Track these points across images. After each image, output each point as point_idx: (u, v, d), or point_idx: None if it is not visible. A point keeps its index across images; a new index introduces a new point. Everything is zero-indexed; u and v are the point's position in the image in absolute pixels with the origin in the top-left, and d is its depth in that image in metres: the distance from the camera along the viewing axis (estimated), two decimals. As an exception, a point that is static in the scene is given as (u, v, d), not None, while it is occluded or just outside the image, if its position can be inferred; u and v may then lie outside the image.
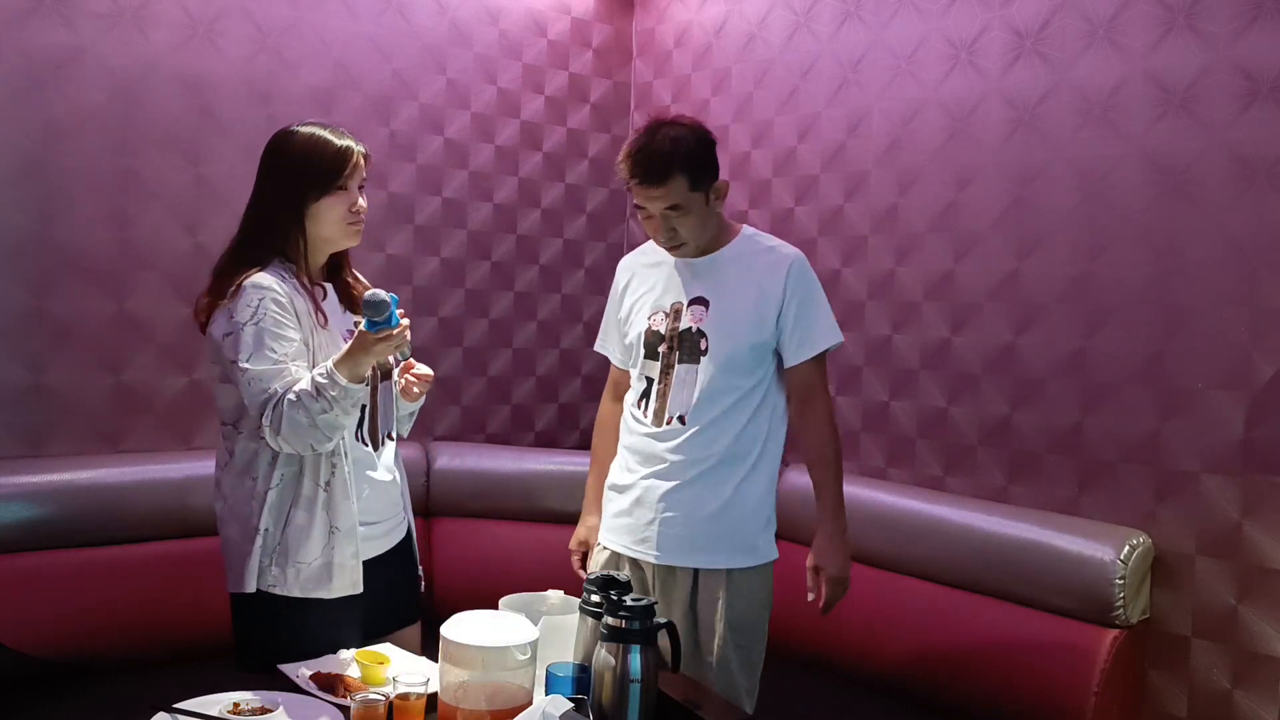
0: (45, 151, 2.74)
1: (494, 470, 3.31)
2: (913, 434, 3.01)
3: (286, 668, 1.81)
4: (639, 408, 2.30)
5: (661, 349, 2.26)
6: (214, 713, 1.60)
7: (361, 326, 1.85)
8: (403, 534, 2.19)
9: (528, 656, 1.61)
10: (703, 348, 2.23)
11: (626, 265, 2.43)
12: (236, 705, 1.62)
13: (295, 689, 1.73)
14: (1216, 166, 2.41)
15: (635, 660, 1.62)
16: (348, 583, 2.00)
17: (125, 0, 2.83)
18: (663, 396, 2.25)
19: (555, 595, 1.96)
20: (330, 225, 2.01)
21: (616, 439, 2.40)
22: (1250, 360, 2.37)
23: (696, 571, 2.25)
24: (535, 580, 2.16)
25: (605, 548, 2.37)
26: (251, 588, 1.97)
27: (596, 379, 3.75)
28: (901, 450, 3.04)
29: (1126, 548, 2.42)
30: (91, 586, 2.60)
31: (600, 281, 3.81)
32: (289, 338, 1.92)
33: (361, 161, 2.02)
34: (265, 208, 2.01)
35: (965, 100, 2.87)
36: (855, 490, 2.93)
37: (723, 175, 2.28)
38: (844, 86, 3.18)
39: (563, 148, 3.75)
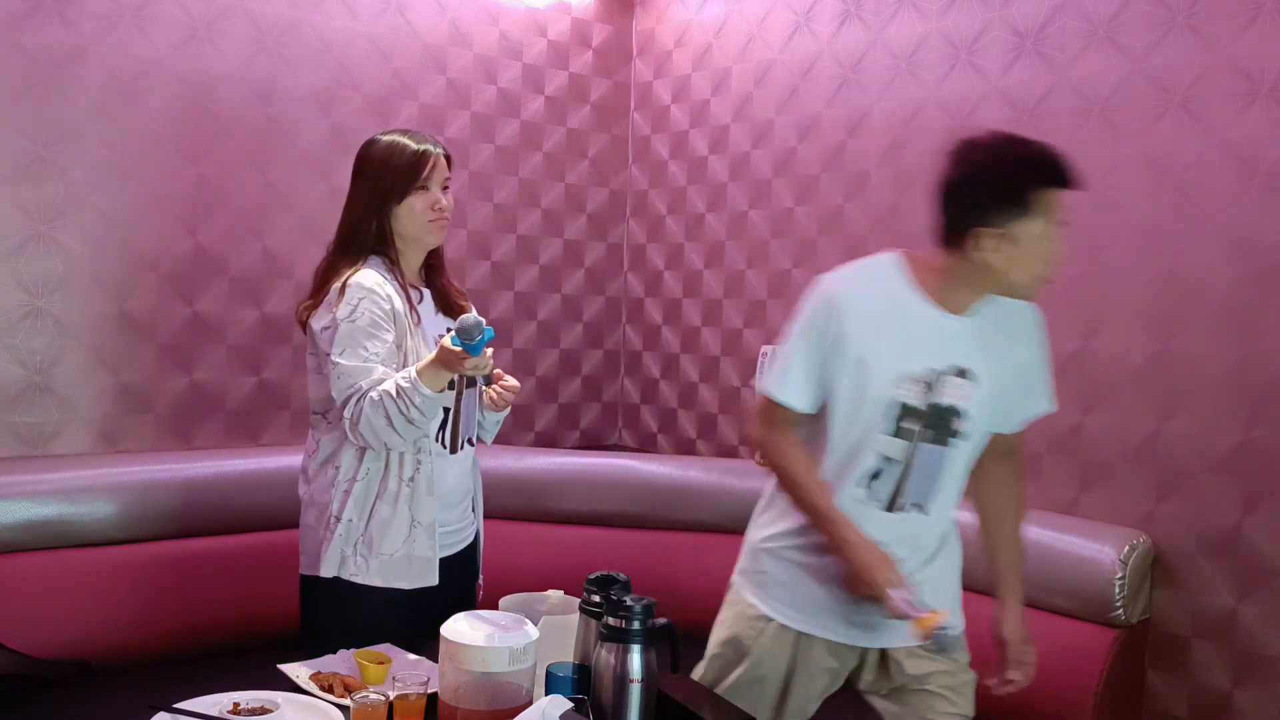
0: (45, 151, 2.74)
1: (494, 470, 3.29)
2: (913, 434, 3.01)
3: (286, 668, 1.81)
4: (863, 487, 1.88)
5: (914, 428, 1.85)
6: (214, 713, 1.60)
7: (449, 341, 1.92)
8: (470, 538, 2.27)
9: (528, 656, 1.61)
10: (954, 428, 1.85)
11: (850, 299, 1.89)
12: (236, 705, 1.62)
13: (295, 689, 1.73)
14: (1216, 166, 2.41)
15: (635, 660, 1.62)
16: (426, 575, 2.10)
17: (125, 0, 2.83)
18: (901, 480, 1.87)
19: (555, 595, 1.96)
20: (414, 223, 2.11)
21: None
22: (1250, 360, 2.37)
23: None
24: (535, 580, 2.17)
25: (813, 636, 1.95)
26: (330, 573, 2.08)
27: (596, 379, 3.77)
28: (901, 450, 3.04)
29: (1126, 548, 2.42)
30: (92, 586, 2.59)
31: (600, 282, 3.81)
32: (382, 339, 2.02)
33: (442, 162, 2.13)
34: (355, 213, 2.12)
35: (965, 100, 2.87)
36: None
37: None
38: (844, 86, 3.18)
39: (563, 148, 3.75)
